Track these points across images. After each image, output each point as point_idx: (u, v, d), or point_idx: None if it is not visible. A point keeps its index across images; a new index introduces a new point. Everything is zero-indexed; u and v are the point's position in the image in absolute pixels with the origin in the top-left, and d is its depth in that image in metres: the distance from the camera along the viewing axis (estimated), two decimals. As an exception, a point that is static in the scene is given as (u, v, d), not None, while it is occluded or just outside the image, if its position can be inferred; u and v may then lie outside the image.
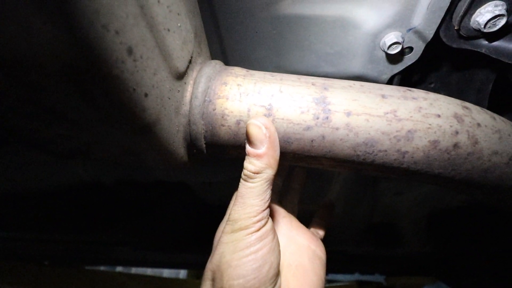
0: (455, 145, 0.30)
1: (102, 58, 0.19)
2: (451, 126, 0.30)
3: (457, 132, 0.30)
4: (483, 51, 0.41)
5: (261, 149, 0.30)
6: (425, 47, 0.43)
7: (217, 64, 0.34)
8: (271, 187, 0.31)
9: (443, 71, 0.52)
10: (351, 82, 0.33)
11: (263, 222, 0.31)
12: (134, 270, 2.09)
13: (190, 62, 0.31)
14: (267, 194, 0.31)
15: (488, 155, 0.31)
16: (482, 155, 0.30)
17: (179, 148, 0.32)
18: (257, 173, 0.30)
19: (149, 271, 2.06)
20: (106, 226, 0.92)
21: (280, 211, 0.43)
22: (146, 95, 0.23)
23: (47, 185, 0.78)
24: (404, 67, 0.45)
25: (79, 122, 0.26)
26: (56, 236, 1.02)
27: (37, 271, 1.75)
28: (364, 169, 0.33)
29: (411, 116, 0.30)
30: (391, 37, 0.41)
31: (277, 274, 0.31)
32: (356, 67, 0.46)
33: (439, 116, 0.30)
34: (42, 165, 0.73)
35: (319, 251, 0.40)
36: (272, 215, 0.41)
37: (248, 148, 0.31)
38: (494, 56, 0.40)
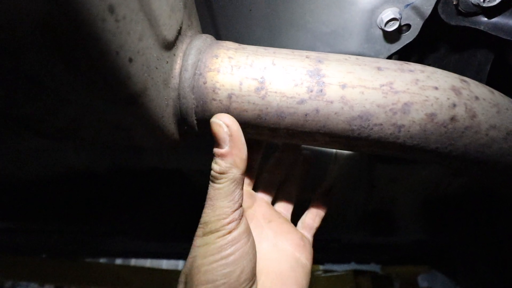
0: (452, 118, 0.29)
1: (81, 14, 0.18)
2: (448, 99, 0.29)
3: (454, 105, 0.29)
4: (481, 28, 0.40)
5: (225, 148, 0.29)
6: (423, 25, 0.42)
7: (208, 37, 0.33)
8: (240, 187, 0.31)
9: (441, 52, 0.51)
10: (347, 56, 0.32)
11: (234, 224, 0.30)
12: (133, 262, 2.09)
13: (179, 33, 0.29)
14: (236, 195, 0.30)
15: (485, 129, 0.30)
16: (479, 129, 0.30)
17: (169, 124, 0.31)
18: (223, 173, 0.30)
19: (148, 263, 2.06)
20: (102, 215, 0.91)
21: (267, 214, 0.41)
22: (130, 60, 0.22)
23: (41, 174, 0.77)
24: (401, 46, 0.44)
25: (62, 92, 0.24)
26: (52, 227, 1.01)
27: (35, 263, 1.74)
28: (359, 145, 0.32)
29: (407, 89, 0.29)
30: (388, 13, 0.40)
31: (251, 278, 0.31)
32: (353, 47, 0.45)
33: (436, 88, 0.29)
34: (34, 154, 0.72)
35: (304, 258, 0.39)
36: (257, 217, 0.40)
37: (214, 148, 0.30)
38: (493, 33, 0.40)
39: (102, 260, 2.11)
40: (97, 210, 0.90)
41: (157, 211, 0.88)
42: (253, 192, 0.44)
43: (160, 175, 0.77)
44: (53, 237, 1.13)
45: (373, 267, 1.58)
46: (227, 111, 0.31)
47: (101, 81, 0.22)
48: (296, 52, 0.32)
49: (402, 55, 0.48)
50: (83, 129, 0.31)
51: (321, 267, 1.82)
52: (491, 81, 0.51)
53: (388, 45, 0.45)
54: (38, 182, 0.80)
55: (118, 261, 2.21)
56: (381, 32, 0.43)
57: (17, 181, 0.80)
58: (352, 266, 1.66)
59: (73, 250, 1.44)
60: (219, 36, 0.48)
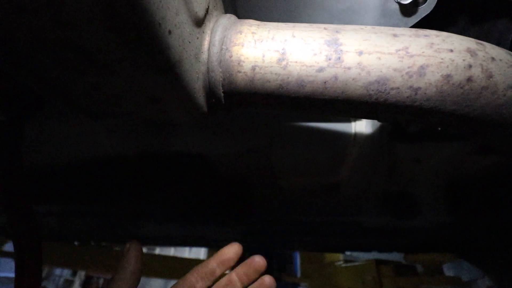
0: (469, 79, 0.30)
1: (130, -11, 0.21)
2: (464, 60, 0.30)
3: (470, 66, 0.30)
4: (501, -5, 0.40)
5: None
6: (440, -3, 0.43)
7: (232, 16, 0.36)
8: None
9: (461, 25, 0.51)
10: (363, 26, 0.34)
11: None
12: (158, 250, 2.19)
13: (207, 12, 0.33)
14: None
15: (503, 89, 0.31)
16: (497, 89, 0.31)
17: (199, 96, 0.35)
18: None
19: (172, 252, 2.15)
20: (130, 198, 0.98)
21: None
22: (170, 32, 0.25)
23: (73, 160, 0.83)
24: (419, 19, 0.45)
25: (110, 65, 0.28)
26: (83, 209, 1.09)
27: (68, 251, 1.87)
28: (378, 110, 0.34)
29: (423, 52, 0.30)
30: (404, -14, 0.41)
31: None
32: (369, 22, 0.46)
33: (451, 50, 0.30)
34: (68, 140, 0.78)
35: None
36: None
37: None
38: (513, 0, 0.40)
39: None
40: (125, 193, 0.96)
41: (181, 195, 0.93)
42: None
43: (184, 159, 0.82)
44: (84, 222, 1.21)
45: (395, 256, 1.56)
46: (251, 82, 0.33)
47: (145, 51, 0.26)
48: (315, 25, 0.34)
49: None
50: (123, 103, 0.35)
51: (341, 256, 1.82)
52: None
53: (405, 19, 0.45)
54: (70, 167, 0.87)
55: (144, 250, 2.33)
56: (397, 6, 0.44)
57: (50, 167, 0.88)
58: (374, 255, 1.65)
59: (102, 236, 1.53)
60: (238, 16, 0.51)
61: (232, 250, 0.50)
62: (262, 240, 1.31)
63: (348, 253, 1.80)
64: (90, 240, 1.84)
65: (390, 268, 1.59)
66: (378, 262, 1.64)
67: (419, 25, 0.47)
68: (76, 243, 1.87)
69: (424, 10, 0.44)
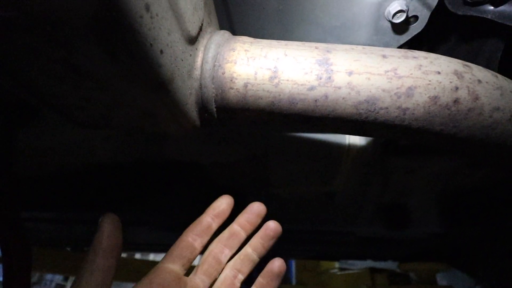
0: (455, 101, 0.31)
1: (124, 11, 0.21)
2: (451, 82, 0.31)
3: (457, 88, 0.31)
4: (489, 16, 0.41)
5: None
6: (431, 16, 0.44)
7: (226, 33, 0.36)
8: None
9: (451, 43, 0.52)
10: (353, 46, 0.34)
11: None
12: (152, 257, 2.17)
13: (201, 29, 0.33)
14: None
15: (489, 111, 0.31)
16: (483, 111, 0.31)
17: (192, 111, 0.35)
18: None
19: (151, 257, 2.14)
20: (123, 206, 0.97)
21: None
22: (161, 52, 0.26)
23: (67, 167, 0.83)
24: (410, 37, 0.46)
25: (103, 81, 0.28)
26: (76, 218, 1.08)
27: (60, 256, 1.85)
28: (367, 128, 0.34)
29: (411, 73, 0.31)
30: (395, 6, 0.42)
31: None
32: (362, 39, 0.47)
33: (439, 73, 0.31)
34: (62, 147, 0.78)
35: None
36: None
37: None
38: (500, 22, 0.41)
39: (122, 255, 2.20)
40: (119, 201, 0.96)
41: (176, 203, 0.92)
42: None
43: (179, 167, 0.82)
44: (77, 229, 1.20)
45: (390, 265, 1.56)
46: (244, 98, 0.34)
47: (137, 70, 0.26)
48: (306, 43, 0.35)
49: (412, 47, 0.50)
50: (116, 115, 0.36)
51: (337, 264, 1.82)
52: (502, 70, 0.52)
53: (397, 37, 0.46)
54: (64, 174, 0.86)
55: (137, 256, 2.30)
56: (389, 24, 0.45)
57: (43, 174, 0.87)
58: (369, 263, 1.65)
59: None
60: (234, 32, 0.51)
61: (224, 201, 0.45)
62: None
63: (343, 261, 1.80)
64: (83, 246, 1.82)
65: (384, 277, 1.59)
66: (373, 270, 1.64)
67: (411, 42, 0.48)
68: (68, 248, 1.85)
69: (415, 28, 0.45)
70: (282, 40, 0.51)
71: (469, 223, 0.99)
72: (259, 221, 0.44)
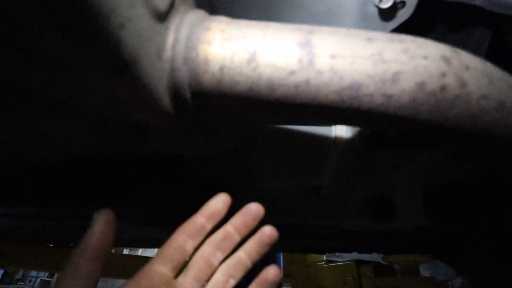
0: (442, 87, 0.29)
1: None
2: (438, 68, 0.29)
3: (444, 74, 0.29)
4: (477, 3, 0.40)
5: None
6: (419, 3, 0.42)
7: (201, 12, 0.33)
8: None
9: (439, 32, 0.50)
10: (338, 28, 0.32)
11: None
12: (140, 252, 2.13)
13: (172, 6, 0.30)
14: None
15: (476, 99, 0.30)
16: (470, 99, 0.30)
17: (164, 97, 0.32)
18: None
19: (154, 253, 2.11)
20: (105, 201, 0.93)
21: None
22: (122, 25, 0.23)
23: (44, 160, 0.78)
24: (398, 24, 0.44)
25: (58, 60, 0.25)
26: (57, 213, 1.04)
27: (44, 253, 1.79)
28: (351, 117, 0.32)
29: (397, 58, 0.29)
30: (382, -11, 0.40)
31: None
32: (348, 25, 0.45)
33: (425, 57, 0.29)
34: (40, 139, 0.73)
35: None
36: None
37: None
38: (488, 8, 0.39)
39: (108, 251, 2.15)
40: (101, 196, 0.92)
41: (158, 197, 0.89)
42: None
43: (162, 160, 0.79)
44: (59, 224, 1.16)
45: (375, 257, 1.58)
46: (219, 83, 0.31)
47: (94, 46, 0.23)
48: (288, 25, 0.32)
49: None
50: (80, 102, 0.32)
51: (324, 257, 1.83)
52: (489, 59, 0.51)
53: (384, 23, 0.45)
54: (43, 167, 0.82)
55: (125, 251, 2.26)
56: (376, 10, 0.43)
57: (22, 167, 0.83)
58: (355, 256, 1.67)
59: (78, 238, 1.47)
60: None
61: (221, 200, 0.42)
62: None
63: (330, 254, 1.81)
64: (66, 242, 1.76)
65: (369, 269, 1.61)
66: (358, 262, 1.67)
67: (398, 30, 0.46)
68: (51, 245, 1.79)
69: (402, 15, 0.43)
70: (265, 25, 0.49)
71: (452, 215, 1.00)
72: (255, 224, 0.42)
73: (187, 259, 0.40)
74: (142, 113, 0.34)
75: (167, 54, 0.30)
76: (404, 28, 0.46)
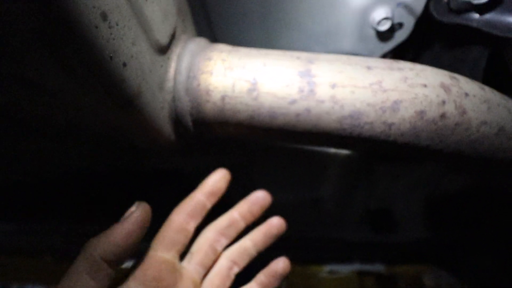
0: (442, 115, 0.29)
1: (75, 22, 0.19)
2: (437, 96, 0.29)
3: (444, 102, 0.29)
4: (474, 25, 0.40)
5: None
6: (416, 24, 0.43)
7: (202, 40, 0.34)
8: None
9: (436, 50, 0.51)
10: (337, 56, 0.32)
11: None
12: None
13: (173, 37, 0.30)
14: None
15: (476, 125, 0.30)
16: (470, 125, 0.30)
17: (165, 125, 0.32)
18: None
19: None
20: (103, 216, 0.93)
21: None
22: (124, 64, 0.23)
23: (44, 175, 0.78)
24: (395, 44, 0.45)
25: (61, 95, 0.25)
26: (55, 228, 1.03)
27: (40, 266, 1.77)
28: (352, 143, 0.32)
29: (396, 87, 0.29)
30: (380, 13, 0.40)
31: None
32: (346, 46, 0.46)
33: (425, 86, 0.29)
34: (38, 155, 0.73)
35: None
36: None
37: None
38: (485, 30, 0.40)
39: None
40: (98, 210, 0.91)
41: (157, 211, 0.89)
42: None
43: (161, 175, 0.78)
44: (57, 239, 1.15)
45: (377, 267, 1.57)
46: (221, 112, 0.31)
47: (97, 85, 0.23)
48: (288, 53, 0.33)
49: (397, 54, 0.49)
50: (82, 130, 0.32)
51: (324, 268, 1.81)
52: (487, 77, 0.51)
53: (381, 44, 0.45)
54: (41, 183, 0.81)
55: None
56: (374, 32, 0.43)
57: (21, 182, 0.82)
58: (356, 266, 1.65)
59: (76, 251, 1.46)
60: (215, 39, 0.49)
61: (220, 176, 0.40)
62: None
63: (331, 264, 1.79)
64: (64, 255, 1.74)
65: (372, 280, 1.59)
66: (361, 273, 1.65)
67: (395, 49, 0.47)
68: (48, 258, 1.77)
69: (400, 36, 0.44)
70: (264, 46, 0.50)
71: (454, 226, 1.00)
72: (261, 212, 0.40)
73: (189, 241, 0.37)
74: (144, 140, 0.34)
75: (169, 84, 0.31)
76: (401, 47, 0.47)
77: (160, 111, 0.30)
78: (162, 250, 0.35)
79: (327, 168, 0.79)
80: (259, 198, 0.41)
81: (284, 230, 0.41)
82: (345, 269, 1.69)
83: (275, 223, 0.41)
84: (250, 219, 0.40)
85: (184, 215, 0.38)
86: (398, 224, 0.94)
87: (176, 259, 0.36)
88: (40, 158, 0.73)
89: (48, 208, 0.96)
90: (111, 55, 0.22)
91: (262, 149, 0.74)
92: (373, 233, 0.97)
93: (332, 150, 0.72)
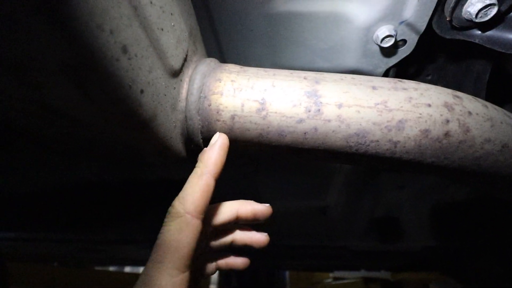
0: (446, 134, 0.30)
1: (98, 56, 0.20)
2: (441, 115, 0.30)
3: (447, 121, 0.30)
4: (476, 41, 0.41)
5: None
6: (419, 39, 0.44)
7: (212, 61, 0.35)
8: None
9: (440, 63, 0.52)
10: (343, 75, 0.34)
11: None
12: (142, 270, 2.13)
13: (185, 60, 0.32)
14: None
15: (480, 143, 0.31)
16: (474, 143, 0.31)
17: (177, 143, 0.34)
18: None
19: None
20: (111, 224, 0.94)
21: None
22: (142, 91, 0.24)
23: (53, 184, 0.80)
24: (398, 60, 0.46)
25: (80, 119, 0.27)
26: (64, 236, 1.04)
27: (47, 272, 1.79)
28: (358, 160, 0.33)
29: (401, 106, 0.30)
30: (383, 31, 0.41)
31: None
32: (351, 62, 0.47)
33: (429, 105, 0.30)
34: (47, 164, 0.75)
35: None
36: None
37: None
38: (487, 46, 0.41)
39: (111, 268, 2.14)
40: (106, 219, 0.93)
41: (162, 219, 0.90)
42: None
43: (167, 185, 0.80)
44: (65, 246, 1.16)
45: (383, 274, 1.56)
46: (231, 131, 0.32)
47: (116, 111, 0.24)
48: (295, 73, 0.34)
49: (400, 68, 0.49)
50: (97, 149, 0.34)
51: (331, 274, 1.80)
52: (490, 90, 0.52)
53: (385, 59, 0.46)
54: (51, 192, 0.83)
55: (127, 269, 2.25)
56: (377, 48, 0.44)
57: (30, 191, 0.84)
58: (362, 273, 1.65)
59: (83, 258, 1.47)
60: (223, 55, 0.50)
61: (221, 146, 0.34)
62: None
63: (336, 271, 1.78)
64: (72, 262, 1.76)
65: (378, 287, 1.58)
66: (366, 280, 1.64)
67: (400, 63, 0.48)
68: (55, 263, 1.79)
69: (403, 52, 0.45)
70: (270, 61, 0.51)
71: (461, 234, 0.99)
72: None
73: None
74: (157, 157, 0.35)
75: (181, 104, 0.32)
76: (405, 61, 0.48)
77: (172, 130, 0.32)
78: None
79: (334, 177, 0.79)
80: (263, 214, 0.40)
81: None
82: (350, 275, 1.69)
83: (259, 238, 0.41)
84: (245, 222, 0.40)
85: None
86: (404, 233, 0.94)
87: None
88: (51, 171, 0.75)
89: (57, 217, 0.97)
90: (130, 84, 0.23)
91: (268, 159, 0.75)
92: (378, 242, 0.97)
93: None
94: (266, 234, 0.42)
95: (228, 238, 0.40)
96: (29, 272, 1.73)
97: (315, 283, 1.82)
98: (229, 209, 0.38)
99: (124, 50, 0.21)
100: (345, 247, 0.98)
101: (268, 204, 0.42)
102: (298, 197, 0.89)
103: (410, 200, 0.83)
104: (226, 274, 1.90)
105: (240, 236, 0.41)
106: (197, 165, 0.31)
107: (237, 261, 0.42)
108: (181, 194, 0.30)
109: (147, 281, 0.28)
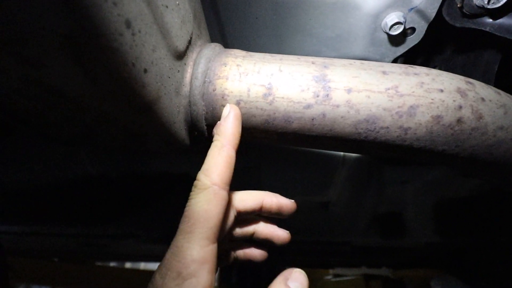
0: (459, 120, 0.29)
1: (100, 29, 0.19)
2: (454, 101, 0.29)
3: (460, 107, 0.29)
4: (487, 29, 0.40)
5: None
6: (428, 28, 0.43)
7: (217, 46, 0.34)
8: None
9: (448, 53, 0.51)
10: (352, 61, 0.33)
11: None
12: (142, 266, 2.12)
13: (189, 43, 0.31)
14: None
15: (493, 130, 0.30)
16: (486, 130, 0.30)
17: (181, 129, 0.33)
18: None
19: (156, 267, 2.09)
20: (112, 219, 0.93)
21: None
22: (145, 71, 0.24)
23: (54, 179, 0.79)
24: (407, 48, 0.45)
25: (81, 100, 0.26)
26: (64, 230, 1.04)
27: (48, 267, 1.78)
28: (366, 147, 0.32)
29: (413, 92, 0.29)
30: (392, 18, 0.40)
31: None
32: (358, 50, 0.46)
33: (441, 91, 0.29)
34: (48, 158, 0.74)
35: None
36: None
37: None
38: (498, 34, 0.40)
39: (112, 264, 2.14)
40: (107, 213, 0.92)
41: (166, 215, 0.89)
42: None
43: (169, 179, 0.79)
44: (65, 241, 1.16)
45: (384, 271, 1.55)
46: (236, 116, 0.31)
47: (118, 91, 0.23)
48: (302, 58, 0.33)
49: (408, 57, 0.48)
50: (99, 135, 0.33)
51: (331, 271, 1.80)
52: (499, 81, 0.51)
53: (393, 48, 0.45)
54: (51, 186, 0.82)
55: (128, 265, 2.24)
56: (386, 36, 0.43)
57: (31, 186, 0.83)
58: (363, 270, 1.64)
59: (84, 253, 1.47)
60: (226, 44, 0.49)
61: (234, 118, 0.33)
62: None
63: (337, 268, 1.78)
64: (70, 257, 1.76)
65: (379, 284, 1.58)
66: (367, 277, 1.63)
67: (407, 52, 0.47)
68: (56, 259, 1.79)
69: (412, 40, 0.44)
70: (276, 50, 0.50)
71: (463, 230, 0.98)
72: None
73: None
74: (160, 144, 0.34)
75: (185, 89, 0.31)
76: (413, 51, 0.47)
77: (176, 116, 0.31)
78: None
79: (336, 172, 0.78)
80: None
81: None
82: (351, 272, 1.68)
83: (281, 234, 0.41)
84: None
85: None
86: (407, 229, 0.93)
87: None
88: (51, 162, 0.74)
89: (58, 211, 0.97)
90: (133, 61, 0.22)
91: (271, 153, 0.74)
92: (381, 238, 0.96)
93: (341, 154, 0.72)
94: (288, 232, 0.42)
95: (250, 228, 0.40)
96: (29, 267, 1.73)
97: (316, 279, 1.81)
98: (255, 197, 0.37)
99: (128, 24, 0.20)
100: (347, 243, 0.98)
101: (293, 200, 0.41)
102: (300, 192, 0.88)
103: (414, 196, 0.82)
104: (227, 269, 1.90)
105: (262, 228, 0.40)
106: (215, 138, 0.30)
107: (256, 253, 0.42)
108: (204, 166, 0.30)
109: (177, 252, 0.27)
